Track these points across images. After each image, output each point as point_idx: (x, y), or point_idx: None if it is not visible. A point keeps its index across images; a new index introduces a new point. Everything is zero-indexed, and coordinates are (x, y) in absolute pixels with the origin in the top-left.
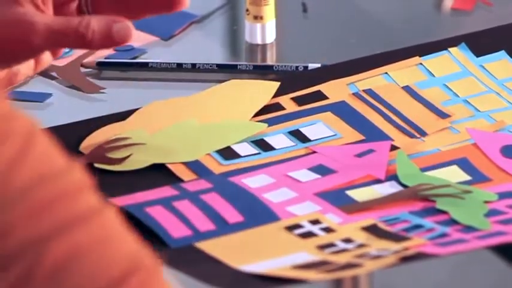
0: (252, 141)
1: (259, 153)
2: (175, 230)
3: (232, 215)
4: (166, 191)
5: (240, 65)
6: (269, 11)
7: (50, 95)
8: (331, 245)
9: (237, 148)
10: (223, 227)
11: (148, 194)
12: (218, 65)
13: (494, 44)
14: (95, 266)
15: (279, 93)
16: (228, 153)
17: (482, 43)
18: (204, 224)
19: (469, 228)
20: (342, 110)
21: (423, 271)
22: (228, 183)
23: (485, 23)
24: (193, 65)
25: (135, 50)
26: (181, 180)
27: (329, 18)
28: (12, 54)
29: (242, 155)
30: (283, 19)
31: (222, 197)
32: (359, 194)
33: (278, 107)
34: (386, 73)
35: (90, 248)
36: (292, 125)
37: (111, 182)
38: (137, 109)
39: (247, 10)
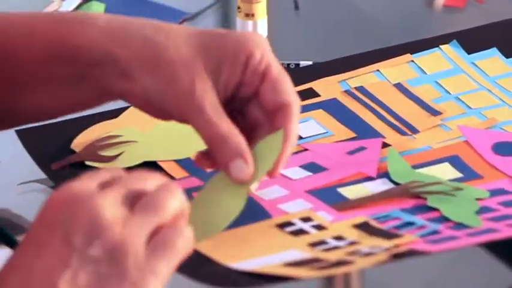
0: None
1: None
2: None
3: None
4: None
5: None
6: (260, 9)
7: None
8: (323, 242)
9: None
10: None
11: None
12: None
13: (486, 41)
14: None
15: None
16: None
17: (473, 40)
18: None
19: (460, 226)
20: (334, 108)
21: (415, 268)
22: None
23: (476, 20)
24: None
25: None
26: (172, 178)
27: (320, 15)
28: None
29: None
30: (275, 16)
31: None
32: (350, 192)
33: None
34: (378, 70)
35: None
36: None
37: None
38: (129, 107)
39: (238, 8)
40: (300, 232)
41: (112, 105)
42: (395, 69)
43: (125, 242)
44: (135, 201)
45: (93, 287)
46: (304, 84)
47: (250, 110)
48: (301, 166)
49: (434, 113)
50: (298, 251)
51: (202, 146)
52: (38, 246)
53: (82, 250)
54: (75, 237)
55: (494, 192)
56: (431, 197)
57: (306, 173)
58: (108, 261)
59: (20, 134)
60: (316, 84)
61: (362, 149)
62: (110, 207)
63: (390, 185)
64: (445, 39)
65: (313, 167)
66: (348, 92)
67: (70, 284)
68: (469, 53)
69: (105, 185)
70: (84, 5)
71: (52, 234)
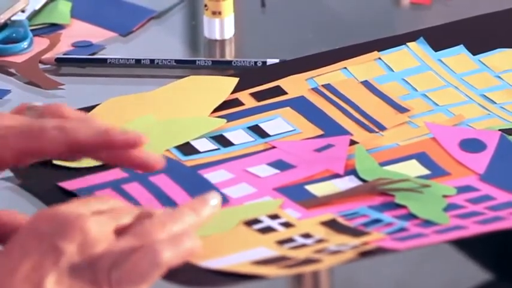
0: (211, 137)
1: (218, 149)
2: None
3: (181, 197)
4: (116, 174)
5: (198, 60)
6: (227, 6)
7: (8, 91)
8: (290, 240)
9: (196, 144)
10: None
11: (98, 177)
12: (177, 61)
13: (453, 39)
14: None
15: (237, 88)
16: (187, 149)
17: (440, 38)
18: (153, 206)
19: (427, 223)
20: (301, 105)
21: (383, 265)
22: (180, 165)
23: (443, 18)
24: (152, 60)
25: (93, 46)
26: None
27: (287, 13)
28: None
29: (201, 150)
30: (242, 14)
31: (172, 178)
32: (318, 189)
33: (237, 102)
34: (345, 68)
35: None
36: (251, 120)
37: (61, 165)
38: (95, 106)
39: (205, 5)
40: (268, 230)
41: (80, 104)
42: (363, 66)
43: (104, 259)
44: (122, 232)
45: None
46: (272, 82)
47: None
48: (268, 164)
49: (402, 110)
50: (266, 248)
51: (170, 144)
52: (24, 253)
53: (69, 257)
54: (63, 244)
55: (462, 189)
56: (399, 194)
57: (273, 171)
58: (89, 272)
59: None
60: (283, 82)
61: (329, 146)
62: (99, 226)
63: (358, 182)
64: (412, 36)
65: (280, 165)
66: (315, 90)
67: (55, 285)
68: (436, 50)
69: (97, 213)
70: (51, 3)
71: (40, 242)
